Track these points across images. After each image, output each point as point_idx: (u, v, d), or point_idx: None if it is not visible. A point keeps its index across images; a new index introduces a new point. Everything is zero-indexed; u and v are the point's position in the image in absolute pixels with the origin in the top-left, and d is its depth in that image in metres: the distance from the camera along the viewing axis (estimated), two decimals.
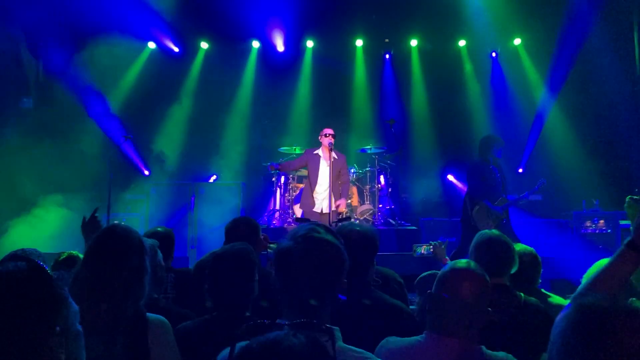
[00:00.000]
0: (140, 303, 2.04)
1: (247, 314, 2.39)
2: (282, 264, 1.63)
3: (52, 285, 1.22)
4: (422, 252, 4.04)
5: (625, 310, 1.10)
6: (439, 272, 2.04)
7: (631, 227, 3.42)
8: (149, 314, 2.05)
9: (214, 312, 2.38)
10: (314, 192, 7.14)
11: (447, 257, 3.99)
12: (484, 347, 1.91)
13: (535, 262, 3.21)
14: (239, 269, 2.40)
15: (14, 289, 1.15)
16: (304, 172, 8.97)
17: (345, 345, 1.59)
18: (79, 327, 1.23)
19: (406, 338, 1.95)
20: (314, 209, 7.19)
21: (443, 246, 4.03)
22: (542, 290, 3.38)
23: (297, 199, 8.60)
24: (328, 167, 6.99)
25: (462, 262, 2.02)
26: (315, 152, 7.25)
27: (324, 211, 7.09)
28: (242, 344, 1.04)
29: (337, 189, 7.22)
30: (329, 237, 1.64)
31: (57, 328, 1.20)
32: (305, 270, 1.58)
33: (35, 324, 1.16)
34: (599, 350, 1.04)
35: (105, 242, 2.05)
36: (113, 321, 1.91)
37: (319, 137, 7.23)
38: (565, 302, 3.28)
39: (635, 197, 3.71)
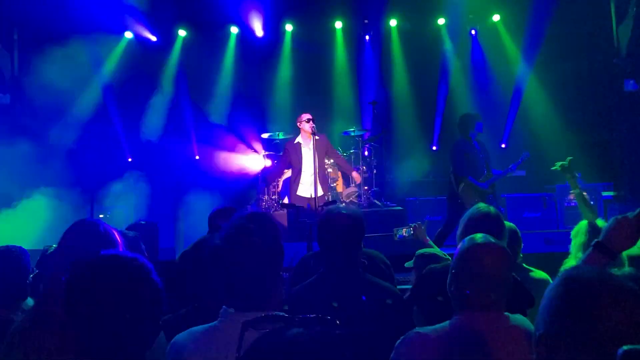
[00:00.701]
0: None
1: (249, 293, 2.37)
2: (213, 261, 1.71)
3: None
4: (404, 234, 4.04)
5: (610, 282, 1.12)
6: (458, 250, 2.02)
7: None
8: None
9: (195, 303, 2.37)
10: (301, 180, 7.12)
11: (428, 238, 3.98)
12: (509, 314, 1.93)
13: (515, 238, 3.24)
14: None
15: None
16: None
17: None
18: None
19: (434, 325, 1.93)
20: (301, 194, 7.18)
21: (423, 227, 4.02)
22: (524, 264, 3.43)
23: (284, 188, 8.57)
24: (311, 151, 6.95)
25: (478, 237, 2.01)
26: (295, 141, 7.19)
27: (312, 196, 7.08)
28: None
29: (324, 172, 7.24)
30: (256, 235, 1.68)
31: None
32: (234, 264, 1.65)
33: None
34: (585, 321, 1.06)
35: (73, 236, 2.04)
36: None
37: (298, 124, 7.18)
38: (545, 275, 3.33)
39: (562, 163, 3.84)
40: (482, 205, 2.88)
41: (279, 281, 1.72)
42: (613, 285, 1.11)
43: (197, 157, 10.29)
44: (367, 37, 11.03)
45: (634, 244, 1.85)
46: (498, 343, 1.81)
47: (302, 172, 7.05)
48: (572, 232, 3.53)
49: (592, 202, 3.89)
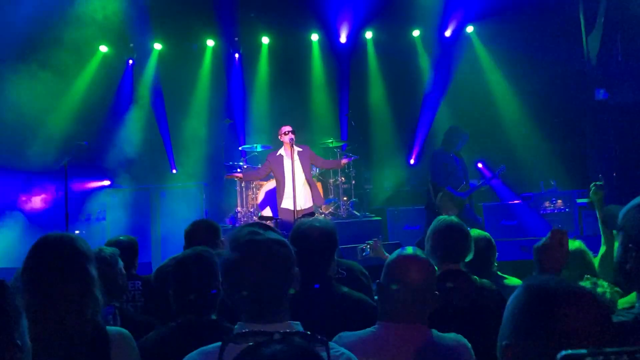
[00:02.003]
0: (97, 316, 1.93)
1: (213, 317, 2.35)
2: (230, 275, 1.62)
3: (12, 298, 1.19)
4: (368, 250, 4.04)
5: (570, 290, 1.14)
6: (386, 261, 2.06)
7: (598, 215, 3.50)
8: (109, 327, 1.95)
9: (178, 318, 2.34)
10: (284, 193, 7.09)
11: (387, 254, 3.97)
12: (434, 330, 1.95)
13: (490, 246, 3.28)
14: (202, 273, 2.37)
15: None
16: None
17: (332, 344, 1.59)
18: (29, 343, 1.20)
19: (359, 331, 1.96)
20: (285, 207, 7.14)
21: (379, 243, 4.05)
22: (498, 272, 3.46)
23: (263, 202, 8.55)
24: (291, 164, 6.92)
25: (407, 250, 2.05)
26: (277, 153, 7.15)
27: (296, 208, 7.07)
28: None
29: (312, 182, 7.24)
30: (271, 235, 1.64)
31: (18, 342, 1.17)
32: (256, 277, 1.58)
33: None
34: (546, 329, 1.08)
35: (39, 254, 1.90)
36: (69, 339, 1.82)
37: (279, 137, 7.17)
38: (519, 282, 3.36)
39: (598, 183, 3.75)
40: (444, 217, 2.93)
41: (287, 291, 1.68)
42: (573, 292, 1.13)
43: (174, 171, 10.22)
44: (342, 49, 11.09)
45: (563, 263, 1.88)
46: (414, 355, 1.84)
47: (285, 185, 7.02)
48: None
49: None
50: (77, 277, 1.88)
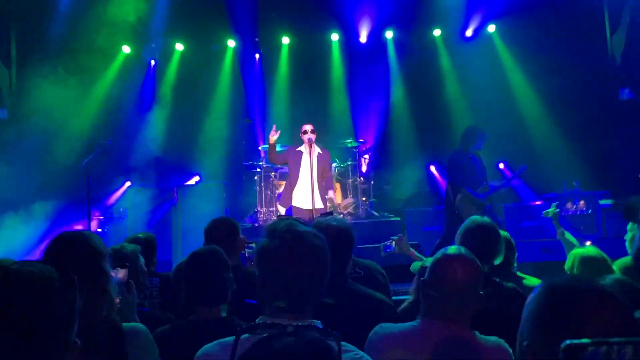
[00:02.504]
0: (112, 314, 1.94)
1: (223, 314, 2.38)
2: (266, 262, 1.60)
3: (76, 297, 1.21)
4: (393, 247, 3.99)
5: (591, 289, 1.13)
6: (431, 260, 2.06)
7: None
8: (125, 324, 1.96)
9: (189, 313, 2.37)
10: (295, 189, 7.08)
11: (412, 250, 3.94)
12: (477, 332, 1.94)
13: (509, 246, 3.25)
14: (210, 268, 2.41)
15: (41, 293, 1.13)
16: (286, 170, 8.97)
17: (346, 345, 1.57)
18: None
19: (400, 324, 1.97)
20: (297, 205, 7.14)
21: (405, 239, 3.98)
22: (518, 273, 3.43)
23: (279, 197, 8.59)
24: (309, 163, 6.91)
25: (452, 249, 2.05)
26: (297, 149, 7.15)
27: (307, 207, 7.03)
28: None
29: (322, 186, 7.21)
30: (310, 229, 1.63)
31: (77, 340, 1.19)
32: (293, 266, 1.55)
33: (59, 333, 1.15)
34: (567, 328, 1.06)
35: (54, 252, 1.89)
36: (84, 337, 1.84)
37: (300, 135, 7.18)
38: (538, 282, 3.34)
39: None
40: (476, 218, 2.89)
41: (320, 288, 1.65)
42: (594, 290, 1.12)
43: (197, 178, 10.28)
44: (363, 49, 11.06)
45: None
46: (456, 353, 1.83)
47: (299, 182, 7.03)
48: (566, 266, 3.52)
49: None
50: (92, 276, 1.88)
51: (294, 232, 1.59)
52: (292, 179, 7.13)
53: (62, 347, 1.15)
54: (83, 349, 1.80)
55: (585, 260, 3.31)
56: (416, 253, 3.90)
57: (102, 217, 8.93)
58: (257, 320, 1.61)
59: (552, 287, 1.16)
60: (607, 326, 1.05)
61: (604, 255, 3.33)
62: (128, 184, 9.61)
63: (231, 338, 1.60)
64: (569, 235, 4.08)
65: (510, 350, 1.93)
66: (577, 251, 3.44)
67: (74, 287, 1.19)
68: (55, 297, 1.15)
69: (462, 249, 2.05)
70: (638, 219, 3.70)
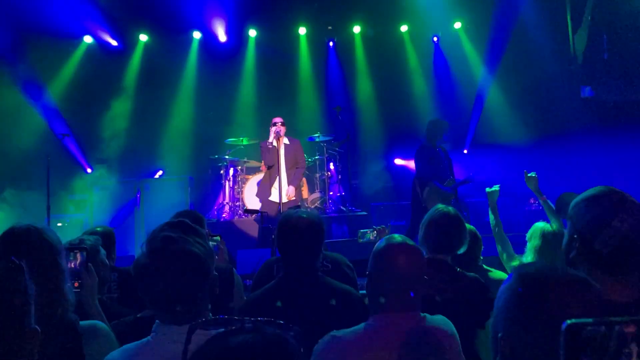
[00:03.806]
0: (67, 313, 1.82)
1: (178, 308, 2.30)
2: (140, 277, 1.60)
3: (27, 283, 1.15)
4: (370, 237, 4.01)
5: (564, 276, 1.12)
6: (374, 250, 2.00)
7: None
8: (82, 322, 1.86)
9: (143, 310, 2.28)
10: (274, 183, 7.04)
11: None
12: (426, 315, 1.92)
13: (475, 239, 3.27)
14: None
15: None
16: (252, 164, 8.88)
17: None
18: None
19: (350, 328, 1.91)
20: (272, 199, 7.09)
21: (387, 230, 4.02)
22: (484, 265, 3.46)
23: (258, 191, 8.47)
24: (277, 156, 6.90)
25: (395, 237, 2.00)
26: (269, 142, 7.11)
27: (283, 200, 7.03)
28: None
29: (292, 176, 7.20)
30: (184, 244, 1.59)
31: (36, 327, 1.13)
32: (165, 283, 1.56)
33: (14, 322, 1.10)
34: (542, 317, 1.05)
35: (4, 246, 1.78)
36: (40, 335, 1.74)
37: (270, 128, 7.14)
38: (504, 275, 3.38)
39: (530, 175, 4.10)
40: (440, 206, 2.89)
41: (206, 292, 1.63)
42: (565, 275, 1.12)
43: (159, 165, 10.11)
44: (330, 44, 11.04)
45: None
46: (413, 344, 1.81)
47: (271, 175, 7.01)
48: (527, 235, 3.59)
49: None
50: (46, 272, 1.78)
51: (166, 251, 1.57)
52: (271, 173, 7.10)
53: (18, 336, 1.10)
54: (38, 351, 1.71)
55: (546, 235, 3.36)
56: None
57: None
58: (153, 327, 1.61)
59: (524, 276, 1.15)
60: (582, 314, 1.05)
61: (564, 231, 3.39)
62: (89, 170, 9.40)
63: (134, 343, 1.59)
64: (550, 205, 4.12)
65: (453, 327, 1.96)
66: (540, 225, 3.49)
67: (22, 273, 1.11)
68: (3, 285, 1.07)
69: (405, 238, 2.01)
70: (567, 216, 3.77)
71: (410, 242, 1.98)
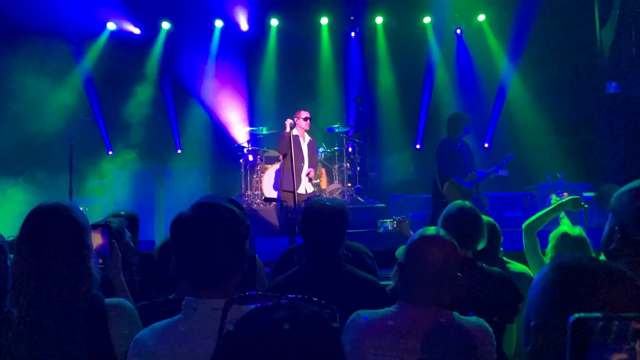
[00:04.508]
0: (92, 289, 1.85)
1: (212, 275, 2.30)
2: (177, 231, 1.59)
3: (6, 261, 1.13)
4: (388, 227, 4.01)
5: (602, 267, 1.10)
6: (408, 242, 1.99)
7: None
8: (107, 300, 1.88)
9: (172, 293, 2.29)
10: (294, 175, 7.06)
11: (411, 232, 3.96)
12: (456, 313, 1.89)
13: (494, 232, 3.24)
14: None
15: None
16: (271, 153, 8.89)
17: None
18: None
19: (378, 310, 1.91)
20: (298, 191, 7.11)
21: (407, 221, 4.00)
22: (504, 258, 3.43)
23: (275, 181, 8.49)
24: (307, 149, 7.04)
25: (430, 230, 1.99)
26: (294, 134, 7.10)
27: (307, 191, 7.08)
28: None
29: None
30: (225, 203, 1.60)
31: (13, 310, 1.12)
32: (201, 237, 1.54)
33: None
34: (578, 307, 1.03)
35: (33, 224, 1.81)
36: (64, 313, 1.75)
37: (295, 119, 7.10)
38: (524, 268, 3.35)
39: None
40: (458, 202, 2.88)
41: (241, 266, 1.61)
42: (603, 267, 1.10)
43: (179, 151, 10.20)
44: (352, 34, 10.99)
45: None
46: (434, 339, 1.79)
47: (296, 166, 7.04)
48: (550, 235, 3.53)
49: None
50: (73, 249, 1.81)
51: (202, 206, 1.57)
52: (296, 163, 7.09)
53: None
54: (63, 325, 1.74)
55: (566, 239, 3.31)
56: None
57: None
58: (183, 303, 1.58)
59: (560, 265, 1.13)
60: (617, 303, 1.03)
61: (586, 237, 3.34)
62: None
63: (164, 322, 1.58)
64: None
65: (491, 330, 1.92)
66: (562, 228, 3.44)
67: (3, 254, 1.11)
68: None
69: (440, 231, 2.00)
70: (609, 207, 3.68)
71: (446, 236, 1.96)
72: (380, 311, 1.90)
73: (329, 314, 0.93)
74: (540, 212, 3.75)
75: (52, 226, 1.80)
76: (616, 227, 1.65)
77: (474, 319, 1.92)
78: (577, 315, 0.82)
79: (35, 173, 8.17)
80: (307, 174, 7.13)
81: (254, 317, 0.89)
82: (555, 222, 3.63)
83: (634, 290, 1.06)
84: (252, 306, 0.96)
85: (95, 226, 2.19)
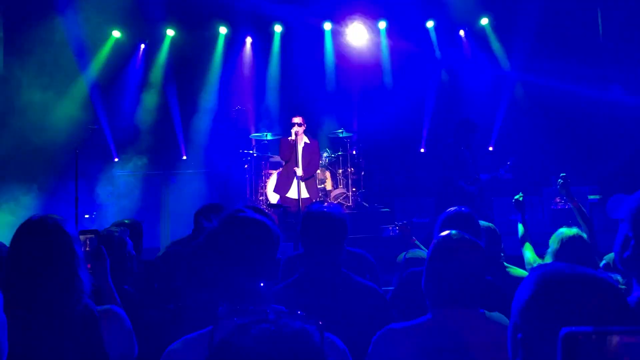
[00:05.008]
0: (84, 297, 1.89)
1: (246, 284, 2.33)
2: (209, 246, 1.61)
3: None
4: (391, 232, 4.03)
5: (584, 276, 1.09)
6: (432, 245, 1.99)
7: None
8: (99, 307, 1.93)
9: (180, 301, 2.32)
10: (289, 180, 7.09)
11: (414, 238, 3.97)
12: (485, 311, 1.90)
13: (494, 237, 3.24)
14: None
15: None
16: (276, 159, 8.93)
17: (328, 335, 1.56)
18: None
19: (409, 321, 1.89)
20: (290, 196, 7.14)
21: (409, 226, 4.01)
22: (504, 262, 3.43)
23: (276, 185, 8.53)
24: (296, 154, 6.97)
25: (453, 232, 1.99)
26: (290, 140, 7.15)
27: (302, 196, 7.06)
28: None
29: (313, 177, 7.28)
30: (255, 215, 1.63)
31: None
32: (232, 249, 1.57)
33: None
34: (561, 317, 1.03)
35: (23, 236, 1.87)
36: (57, 322, 1.79)
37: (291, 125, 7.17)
38: (525, 273, 3.35)
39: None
40: (454, 207, 2.91)
41: (272, 276, 1.65)
42: (587, 277, 1.09)
43: (185, 157, 10.25)
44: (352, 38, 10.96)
45: None
46: (474, 340, 1.78)
47: (290, 170, 7.07)
48: (551, 238, 3.53)
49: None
50: (63, 259, 1.86)
51: (234, 218, 1.61)
52: (288, 168, 7.14)
53: None
54: (56, 334, 1.77)
55: (564, 239, 3.30)
56: (417, 242, 3.92)
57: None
58: (219, 310, 1.60)
59: (543, 274, 1.11)
60: (603, 315, 1.02)
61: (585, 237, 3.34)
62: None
63: (196, 333, 1.59)
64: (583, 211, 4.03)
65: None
66: (562, 230, 3.43)
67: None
68: None
69: (463, 233, 1.99)
70: (620, 216, 3.68)
71: (469, 236, 1.97)
72: (413, 321, 1.89)
73: (315, 329, 0.95)
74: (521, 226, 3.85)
75: (41, 238, 1.85)
76: (629, 234, 1.64)
77: (497, 314, 1.93)
78: (567, 329, 0.82)
79: (47, 180, 8.23)
80: (296, 175, 6.99)
81: (238, 331, 0.92)
82: (556, 226, 3.64)
83: (618, 301, 1.05)
84: (241, 320, 0.98)
85: (83, 232, 2.24)
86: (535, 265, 3.62)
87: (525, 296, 1.11)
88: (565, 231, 3.38)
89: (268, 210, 8.24)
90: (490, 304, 2.42)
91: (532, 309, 1.09)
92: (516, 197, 4.26)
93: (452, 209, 2.86)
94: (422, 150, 10.69)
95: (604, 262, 3.37)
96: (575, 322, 0.96)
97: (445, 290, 1.87)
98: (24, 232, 1.88)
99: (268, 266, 1.61)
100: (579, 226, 3.70)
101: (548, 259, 3.37)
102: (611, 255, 3.42)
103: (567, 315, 1.02)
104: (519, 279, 3.20)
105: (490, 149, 10.27)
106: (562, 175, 4.05)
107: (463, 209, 2.85)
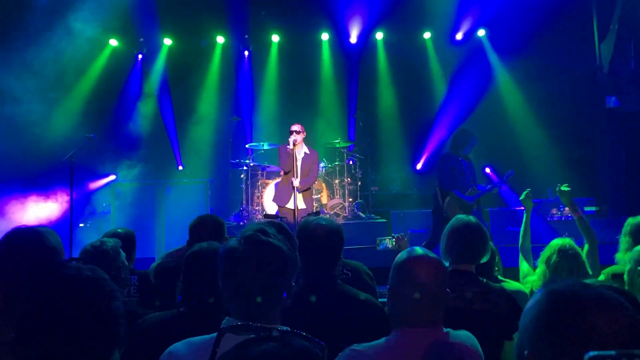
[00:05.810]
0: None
1: (258, 299, 2.29)
2: (226, 263, 1.61)
3: None
4: (387, 245, 3.98)
5: (597, 295, 1.06)
6: (394, 263, 1.97)
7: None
8: None
9: (181, 308, 2.28)
10: (286, 190, 7.01)
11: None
12: (450, 330, 1.88)
13: (491, 251, 3.23)
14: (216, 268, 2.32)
15: None
16: (272, 168, 8.91)
17: None
18: None
19: (372, 342, 1.87)
20: (288, 206, 7.06)
21: (406, 238, 3.98)
22: (499, 276, 3.41)
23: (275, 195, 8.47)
24: (294, 163, 6.85)
25: (417, 250, 1.97)
26: (288, 147, 7.06)
27: (298, 207, 6.97)
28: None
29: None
30: (275, 240, 1.62)
31: None
32: (248, 271, 1.57)
33: None
34: (573, 337, 1.00)
35: (6, 248, 1.83)
36: None
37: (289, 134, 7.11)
38: (520, 286, 3.33)
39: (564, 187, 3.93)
40: (462, 216, 2.87)
41: (286, 293, 1.65)
42: (599, 296, 1.06)
43: (180, 168, 10.22)
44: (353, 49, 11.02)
45: None
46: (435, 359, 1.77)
47: (294, 180, 6.97)
48: (544, 249, 3.50)
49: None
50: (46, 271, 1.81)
51: (253, 240, 1.60)
52: (288, 178, 7.05)
53: None
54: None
55: (564, 250, 3.27)
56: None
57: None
58: (223, 322, 1.59)
59: (553, 293, 1.09)
60: (615, 335, 1.00)
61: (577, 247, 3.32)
62: (113, 177, 9.46)
63: (200, 337, 1.60)
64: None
65: (477, 344, 1.91)
66: (557, 241, 3.40)
67: None
68: None
69: (426, 250, 1.98)
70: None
71: (432, 255, 1.95)
72: (375, 342, 1.87)
73: (318, 350, 0.93)
74: (521, 229, 3.81)
75: (25, 249, 1.83)
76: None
77: (462, 333, 1.91)
78: (592, 353, 0.82)
79: (42, 188, 8.20)
80: (293, 185, 6.87)
81: (244, 347, 0.90)
82: (550, 238, 3.62)
83: (629, 320, 1.02)
84: (245, 336, 0.97)
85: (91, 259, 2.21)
86: (530, 276, 3.59)
87: (534, 313, 1.08)
88: (558, 241, 3.37)
89: (265, 220, 8.21)
90: (503, 313, 2.38)
91: (541, 327, 1.05)
92: (562, 187, 3.94)
93: (461, 219, 2.83)
94: (418, 166, 10.64)
95: (601, 277, 3.36)
96: (587, 344, 0.94)
97: (407, 310, 1.85)
98: (6, 243, 1.86)
99: (279, 293, 1.61)
100: (580, 238, 3.69)
101: (541, 268, 3.35)
102: (610, 269, 3.42)
103: (579, 335, 1.00)
104: (515, 292, 3.19)
105: (488, 170, 10.19)
106: (565, 185, 3.96)
107: (472, 219, 2.82)
